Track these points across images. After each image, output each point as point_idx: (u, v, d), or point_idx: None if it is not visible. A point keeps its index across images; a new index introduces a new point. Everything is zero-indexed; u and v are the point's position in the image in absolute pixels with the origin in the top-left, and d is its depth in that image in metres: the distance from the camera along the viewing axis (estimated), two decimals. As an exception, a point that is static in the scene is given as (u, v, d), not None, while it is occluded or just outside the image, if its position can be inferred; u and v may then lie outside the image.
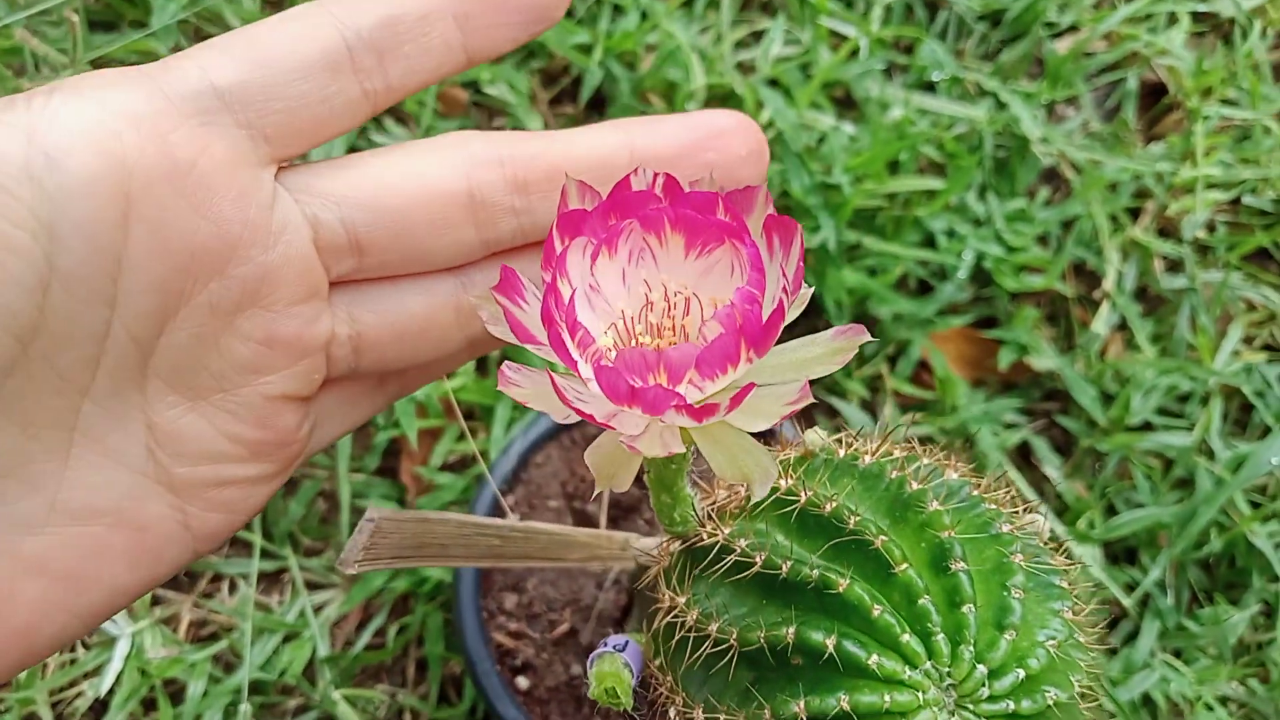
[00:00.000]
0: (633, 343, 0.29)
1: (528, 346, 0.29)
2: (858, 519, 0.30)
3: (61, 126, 0.30)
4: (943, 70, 0.93)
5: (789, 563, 0.30)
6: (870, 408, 0.84)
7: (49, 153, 0.29)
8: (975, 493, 0.31)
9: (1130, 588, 0.78)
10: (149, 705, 0.71)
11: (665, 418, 0.26)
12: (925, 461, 0.32)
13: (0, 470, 0.32)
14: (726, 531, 0.31)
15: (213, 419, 0.36)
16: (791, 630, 0.30)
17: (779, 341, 0.28)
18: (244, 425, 0.36)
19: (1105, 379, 0.84)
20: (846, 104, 0.94)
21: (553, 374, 0.26)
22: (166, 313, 0.33)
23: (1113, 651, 0.78)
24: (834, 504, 0.30)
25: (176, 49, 0.89)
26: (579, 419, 0.27)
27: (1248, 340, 0.87)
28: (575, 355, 0.26)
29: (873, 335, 0.85)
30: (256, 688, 0.71)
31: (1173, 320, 0.86)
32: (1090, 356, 0.84)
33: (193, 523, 0.37)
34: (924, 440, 0.82)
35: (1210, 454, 0.81)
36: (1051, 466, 0.82)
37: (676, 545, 0.33)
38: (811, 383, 0.28)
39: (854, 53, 0.92)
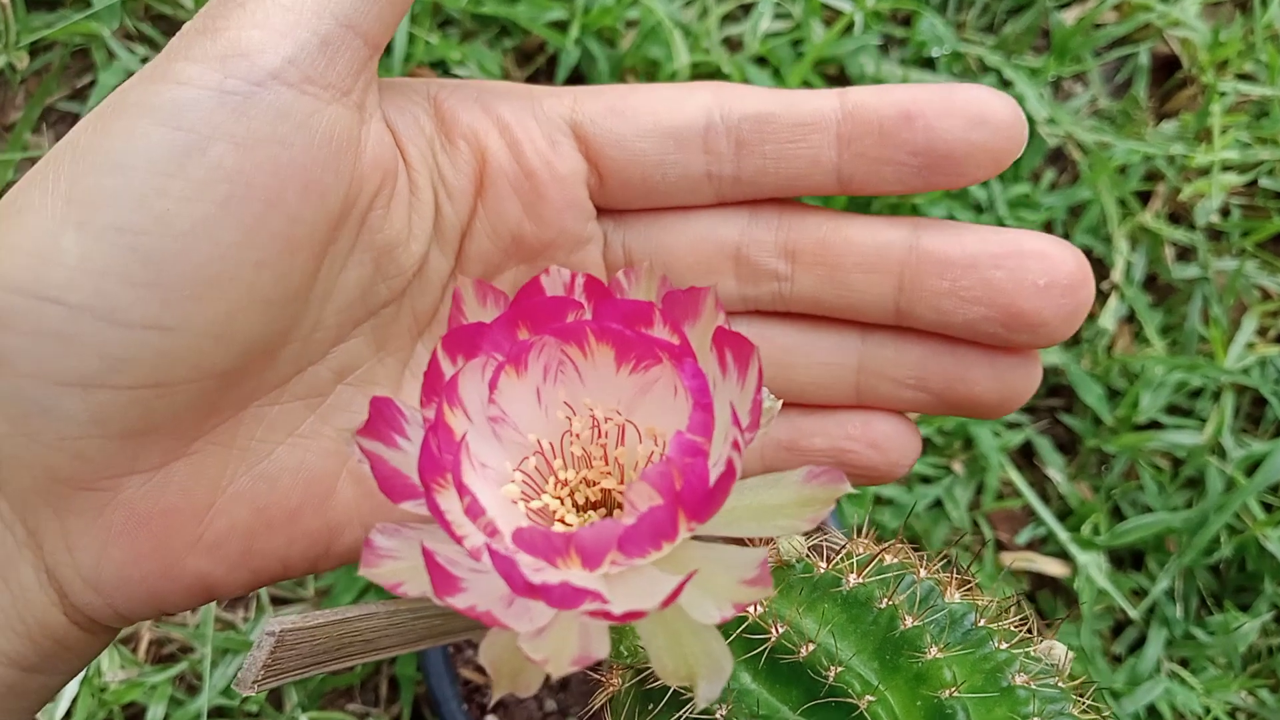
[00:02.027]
0: (551, 481, 0.24)
1: (405, 505, 0.23)
2: (839, 670, 0.25)
3: (454, 118, 0.36)
4: (942, 46, 0.87)
5: (755, 724, 0.25)
6: (865, 407, 0.80)
7: (447, 136, 0.36)
8: (982, 623, 0.27)
9: (1136, 594, 0.74)
10: (107, 730, 0.68)
11: (578, 614, 0.20)
12: (923, 576, 0.27)
13: (355, 380, 0.36)
14: (683, 671, 0.26)
15: None
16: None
17: None
18: None
19: (1112, 375, 0.80)
20: (840, 82, 0.88)
21: (427, 546, 0.20)
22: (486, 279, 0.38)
23: (1117, 660, 0.75)
24: (810, 648, 0.25)
25: (121, 31, 0.84)
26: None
27: (1262, 332, 0.83)
28: (459, 527, 0.20)
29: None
30: (220, 711, 0.68)
31: (1184, 311, 0.82)
32: (1097, 351, 0.80)
33: None
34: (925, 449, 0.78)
35: (1222, 453, 0.77)
36: (1055, 468, 0.78)
37: (629, 673, 0.28)
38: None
39: (848, 27, 0.87)
